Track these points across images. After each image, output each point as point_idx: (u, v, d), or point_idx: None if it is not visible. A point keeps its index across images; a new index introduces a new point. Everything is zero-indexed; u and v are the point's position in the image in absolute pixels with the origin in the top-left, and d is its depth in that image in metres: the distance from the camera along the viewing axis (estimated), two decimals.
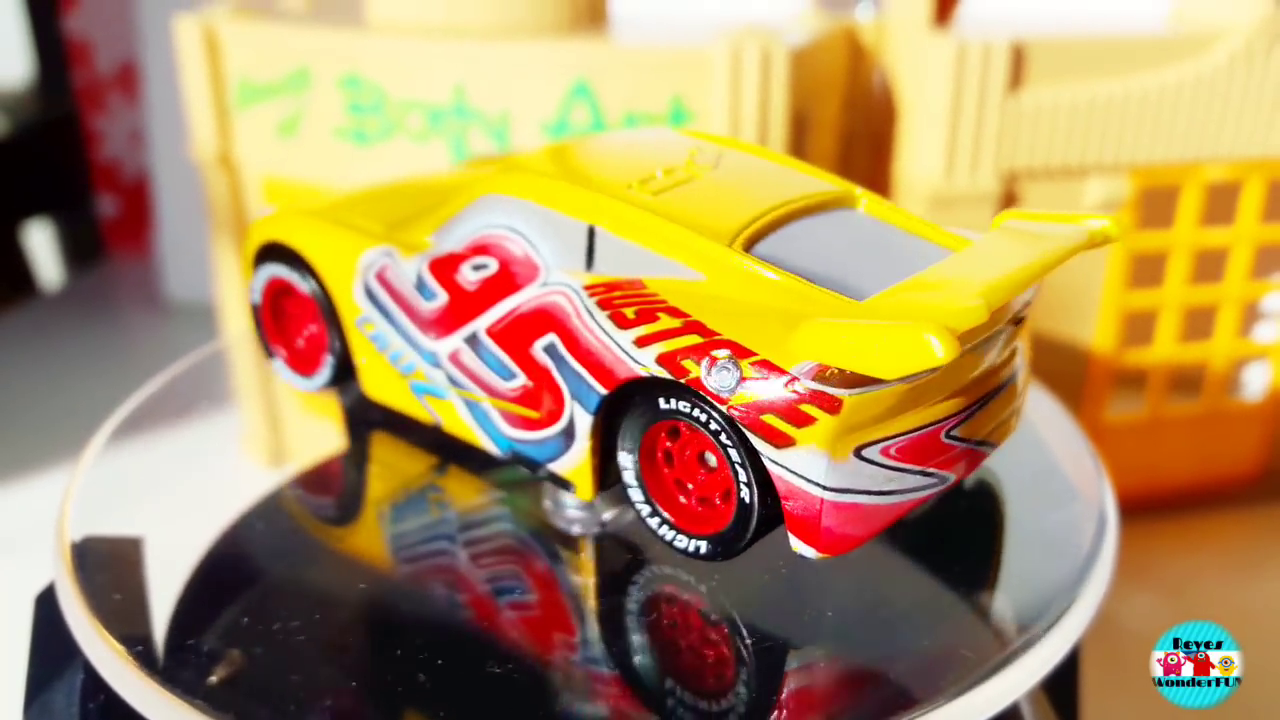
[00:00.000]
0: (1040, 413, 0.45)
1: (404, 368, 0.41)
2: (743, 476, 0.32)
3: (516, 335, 0.37)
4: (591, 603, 0.37)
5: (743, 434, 0.31)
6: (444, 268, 0.39)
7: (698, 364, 0.32)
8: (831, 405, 0.30)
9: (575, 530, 0.39)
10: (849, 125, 0.71)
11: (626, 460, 0.35)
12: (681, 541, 0.35)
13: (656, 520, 0.35)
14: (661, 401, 0.33)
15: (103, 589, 0.33)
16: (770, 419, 0.31)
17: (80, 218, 1.23)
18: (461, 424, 0.39)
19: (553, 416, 0.36)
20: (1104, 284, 0.65)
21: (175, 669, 0.31)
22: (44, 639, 0.34)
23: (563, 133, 0.60)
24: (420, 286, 0.40)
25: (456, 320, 0.39)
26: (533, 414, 0.37)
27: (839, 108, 0.69)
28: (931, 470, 0.33)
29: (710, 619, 0.35)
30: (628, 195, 0.37)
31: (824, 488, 0.31)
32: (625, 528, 0.39)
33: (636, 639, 0.34)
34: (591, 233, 0.36)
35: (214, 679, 0.31)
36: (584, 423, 0.35)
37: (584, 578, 0.38)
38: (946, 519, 0.39)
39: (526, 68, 0.60)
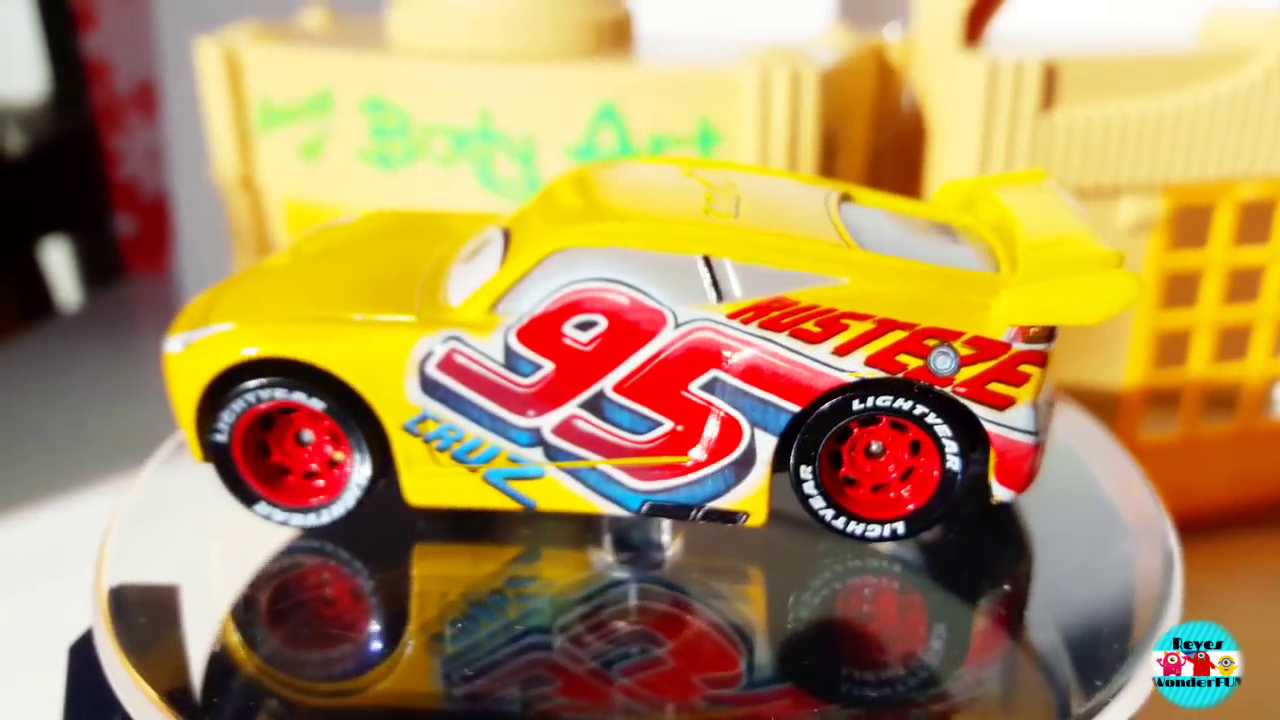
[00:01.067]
0: (1087, 440, 0.45)
1: (479, 458, 0.38)
2: (952, 448, 0.37)
3: (661, 383, 0.36)
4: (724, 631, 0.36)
5: (952, 410, 0.36)
6: (539, 336, 0.37)
7: (915, 356, 0.35)
8: (1040, 359, 0.36)
9: (629, 574, 0.38)
10: (877, 145, 0.70)
11: (806, 472, 0.37)
12: (874, 530, 0.38)
13: (843, 520, 0.38)
14: (855, 403, 0.36)
15: (140, 640, 0.32)
16: (995, 386, 0.36)
17: (98, 237, 1.23)
18: (567, 497, 0.38)
19: (718, 453, 0.36)
20: (1138, 304, 0.64)
21: None
22: (80, 694, 0.33)
23: (589, 156, 0.59)
24: (512, 362, 0.37)
25: (570, 388, 0.37)
26: (681, 459, 0.37)
27: (867, 128, 0.69)
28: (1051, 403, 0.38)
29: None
30: (723, 221, 0.37)
31: (1033, 434, 0.36)
32: (675, 558, 0.39)
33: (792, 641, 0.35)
34: (709, 263, 0.36)
35: None
36: (767, 447, 0.36)
37: (690, 611, 0.37)
38: (998, 560, 0.39)
39: (552, 91, 0.59)
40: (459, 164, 0.61)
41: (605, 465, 0.37)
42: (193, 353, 0.38)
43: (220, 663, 0.33)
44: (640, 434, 0.37)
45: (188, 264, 1.07)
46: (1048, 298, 0.34)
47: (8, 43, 1.20)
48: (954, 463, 0.37)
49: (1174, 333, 0.66)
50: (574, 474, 0.37)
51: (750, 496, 0.37)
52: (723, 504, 0.37)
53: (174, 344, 0.39)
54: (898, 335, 0.35)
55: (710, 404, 0.36)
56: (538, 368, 0.37)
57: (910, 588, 0.39)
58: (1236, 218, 0.64)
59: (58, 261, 1.26)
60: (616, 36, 0.64)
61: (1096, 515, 0.42)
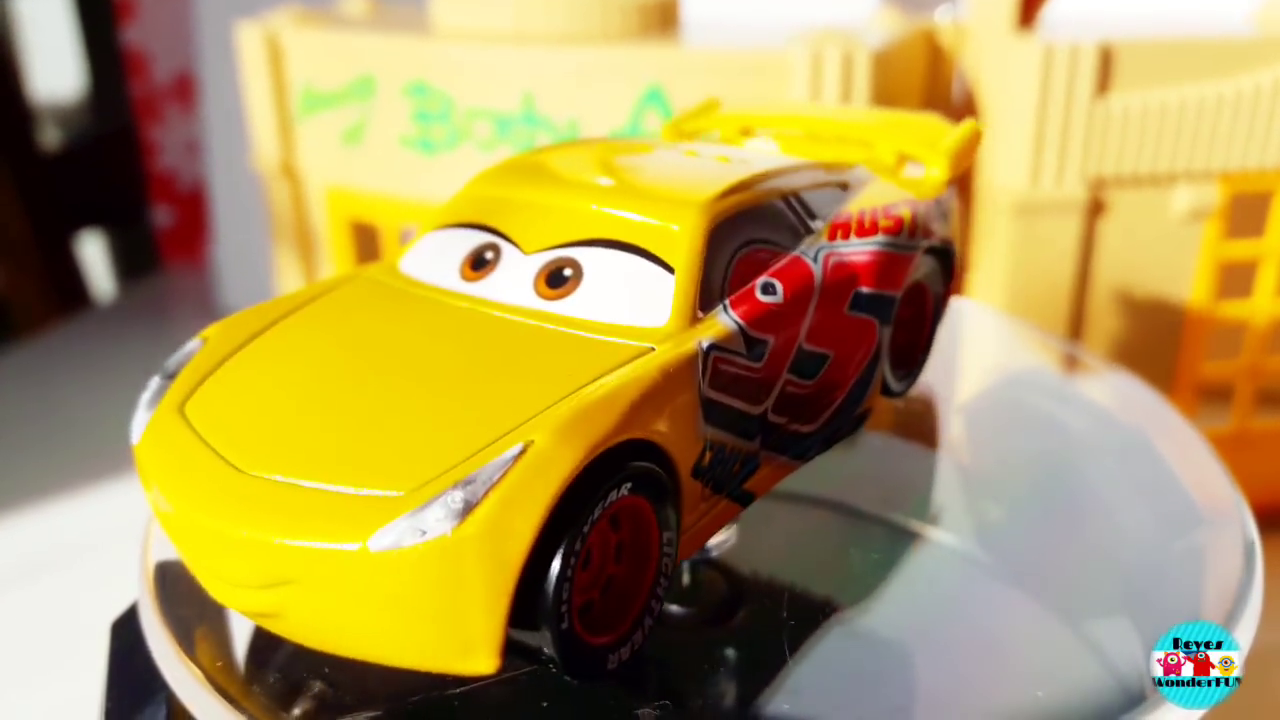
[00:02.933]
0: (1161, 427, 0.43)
1: (741, 474, 0.34)
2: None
3: (830, 318, 0.36)
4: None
5: None
6: (751, 313, 0.33)
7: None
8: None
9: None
10: None
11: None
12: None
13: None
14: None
15: (184, 616, 0.32)
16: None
17: (136, 228, 1.23)
18: (771, 478, 0.35)
19: (862, 362, 0.38)
20: (1191, 294, 0.63)
21: (260, 701, 0.29)
22: (123, 669, 0.33)
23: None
24: (750, 348, 0.33)
25: (783, 354, 0.34)
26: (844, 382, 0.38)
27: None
28: None
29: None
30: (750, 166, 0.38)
31: None
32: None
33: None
34: (789, 201, 0.37)
35: (298, 712, 0.30)
36: (885, 338, 0.39)
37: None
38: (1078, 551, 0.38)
39: (597, 74, 0.58)
40: (502, 148, 0.60)
41: (809, 428, 0.36)
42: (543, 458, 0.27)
43: (264, 638, 0.32)
44: (812, 377, 0.36)
45: (224, 254, 1.07)
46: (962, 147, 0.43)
47: (47, 40, 1.21)
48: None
49: (1228, 323, 0.65)
50: (781, 449, 0.35)
51: (875, 394, 0.39)
52: (861, 407, 0.39)
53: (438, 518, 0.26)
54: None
55: (857, 320, 0.37)
56: (764, 344, 0.34)
57: (985, 578, 0.38)
58: None
59: (94, 253, 1.27)
60: (662, 19, 0.64)
61: (1172, 503, 0.40)
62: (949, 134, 0.44)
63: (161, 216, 1.20)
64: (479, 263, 0.35)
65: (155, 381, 0.33)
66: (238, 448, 0.29)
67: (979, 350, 0.58)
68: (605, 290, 0.33)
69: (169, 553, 0.34)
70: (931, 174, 0.43)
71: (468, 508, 0.25)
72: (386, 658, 0.27)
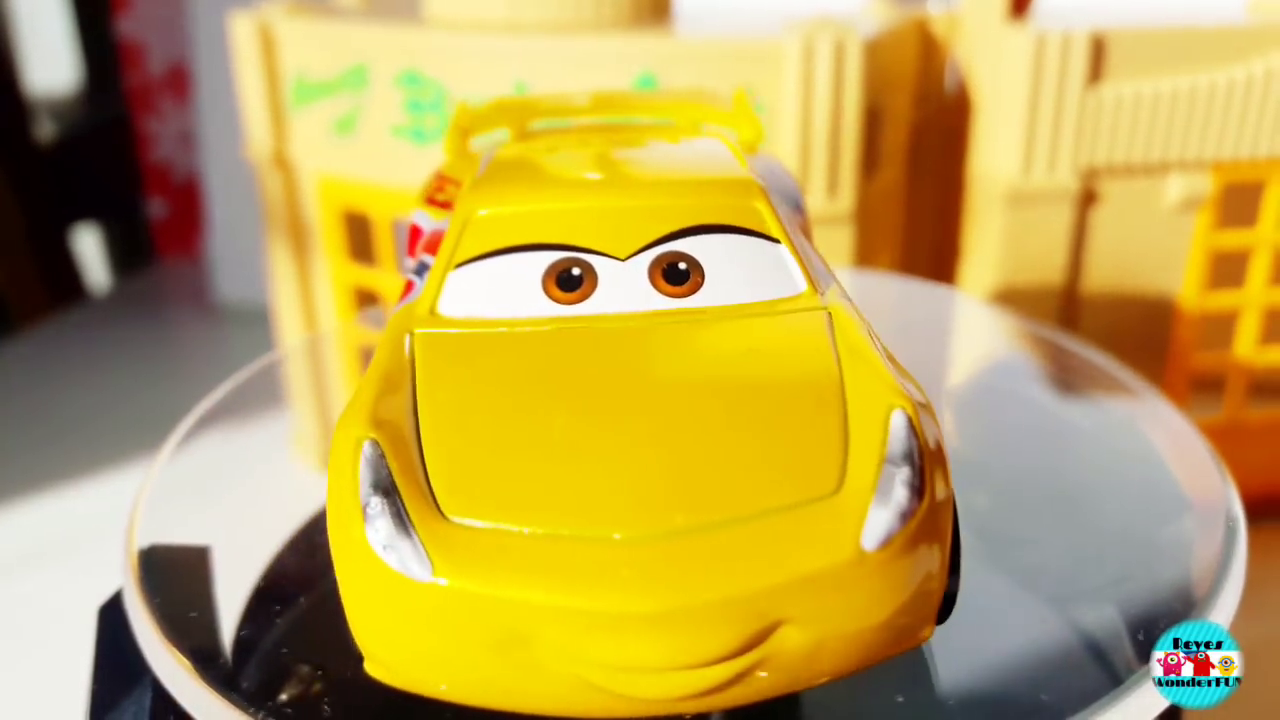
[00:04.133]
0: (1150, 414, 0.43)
1: None
2: None
3: None
4: None
5: None
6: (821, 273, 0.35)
7: None
8: None
9: None
10: (920, 119, 0.69)
11: None
12: None
13: None
14: None
15: (171, 601, 0.32)
16: None
17: (130, 221, 1.23)
18: None
19: None
20: (1183, 284, 0.63)
21: (247, 686, 0.30)
22: (109, 654, 0.33)
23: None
24: None
25: None
26: None
27: (910, 102, 0.68)
28: None
29: None
30: None
31: None
32: None
33: None
34: None
35: (284, 697, 0.30)
36: None
37: None
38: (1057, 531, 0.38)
39: (590, 63, 0.58)
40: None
41: None
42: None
43: (251, 626, 0.32)
44: None
45: (219, 246, 1.07)
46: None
47: (41, 32, 1.21)
48: None
49: (1220, 314, 0.65)
50: None
51: None
52: None
53: None
54: None
55: None
56: None
57: (972, 566, 0.38)
58: None
59: (89, 246, 1.27)
60: (655, 8, 0.64)
61: (1161, 491, 0.40)
62: (734, 100, 0.43)
63: (156, 209, 1.19)
64: (568, 282, 0.32)
65: (378, 503, 0.26)
66: (586, 522, 0.25)
67: (969, 340, 0.58)
68: (731, 273, 0.33)
69: (155, 536, 0.34)
70: (747, 136, 0.41)
71: (918, 478, 0.25)
72: (876, 658, 0.26)
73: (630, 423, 0.27)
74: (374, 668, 0.26)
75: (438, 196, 0.38)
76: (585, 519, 0.25)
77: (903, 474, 0.25)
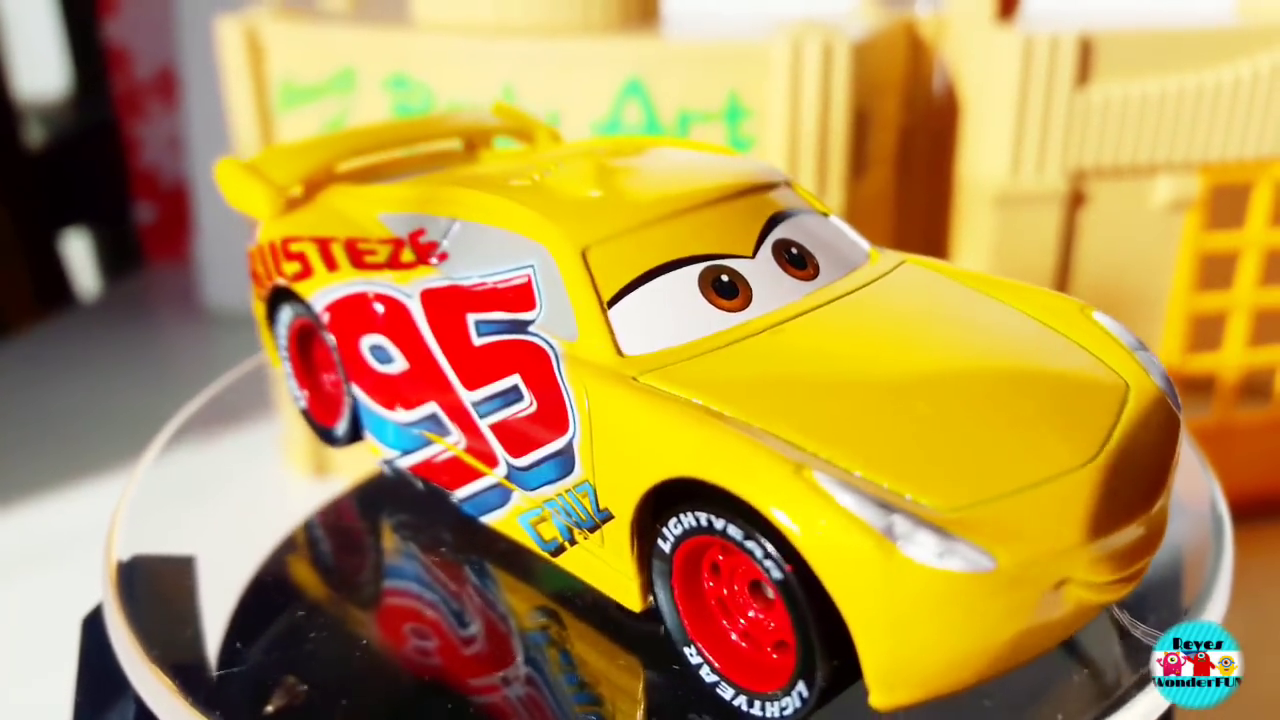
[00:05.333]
0: None
1: None
2: None
3: None
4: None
5: None
6: None
7: None
8: None
9: None
10: (908, 122, 0.69)
11: None
12: None
13: None
14: None
15: (153, 612, 0.32)
16: None
17: (119, 225, 1.23)
18: None
19: None
20: (1172, 286, 0.63)
21: (230, 700, 0.29)
22: (92, 665, 0.32)
23: (615, 132, 0.58)
24: None
25: None
26: None
27: (899, 104, 0.67)
28: None
29: None
30: None
31: None
32: None
33: None
34: None
35: (270, 709, 0.30)
36: None
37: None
38: None
39: (577, 66, 0.58)
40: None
41: None
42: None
43: (236, 636, 0.32)
44: None
45: (207, 251, 1.06)
46: None
47: (30, 35, 1.20)
48: None
49: (1209, 316, 0.65)
50: None
51: None
52: None
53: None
54: None
55: None
56: None
57: None
58: (1276, 197, 0.63)
59: (78, 250, 1.26)
60: (643, 10, 0.63)
61: None
62: (508, 110, 0.48)
63: (144, 213, 1.19)
64: (725, 289, 0.33)
65: (902, 521, 0.25)
66: (1025, 475, 0.27)
67: None
68: (824, 249, 0.36)
69: (136, 548, 0.34)
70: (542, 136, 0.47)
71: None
72: None
73: (941, 396, 0.29)
74: (892, 694, 0.26)
75: (367, 260, 0.38)
76: (1020, 473, 0.27)
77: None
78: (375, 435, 0.38)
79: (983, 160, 0.60)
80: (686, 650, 0.30)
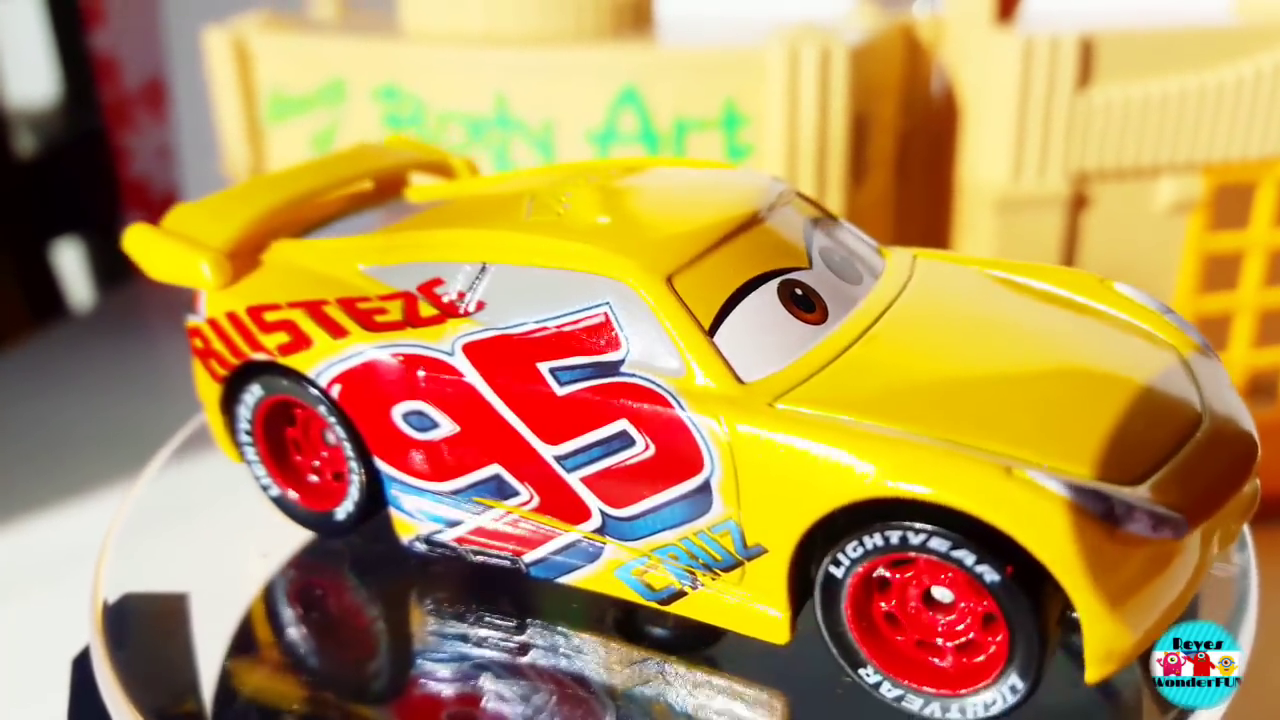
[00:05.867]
0: None
1: None
2: None
3: None
4: None
5: None
6: None
7: None
8: None
9: None
10: (907, 126, 0.68)
11: None
12: None
13: None
14: None
15: (143, 655, 0.31)
16: None
17: (110, 237, 1.22)
18: None
19: None
20: (1176, 288, 0.62)
21: None
22: (82, 708, 0.31)
23: (610, 141, 0.57)
24: None
25: None
26: None
27: (897, 108, 0.67)
28: None
29: None
30: None
31: None
32: None
33: None
34: None
35: None
36: None
37: None
38: None
39: (571, 75, 0.57)
40: (475, 152, 0.59)
41: None
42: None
43: (224, 682, 0.31)
44: None
45: None
46: None
47: (18, 44, 1.19)
48: None
49: (1214, 317, 0.64)
50: None
51: None
52: None
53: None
54: None
55: None
56: None
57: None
58: (1279, 197, 0.62)
59: (69, 262, 1.25)
60: (637, 17, 0.63)
61: None
62: (416, 146, 0.48)
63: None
64: (802, 303, 0.33)
65: (1122, 496, 0.27)
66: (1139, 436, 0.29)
67: None
68: (858, 250, 0.37)
69: (124, 585, 0.33)
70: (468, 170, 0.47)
71: None
72: None
73: (1043, 381, 0.31)
74: (1106, 666, 0.27)
75: (378, 320, 0.35)
76: (1161, 443, 0.29)
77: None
78: (406, 511, 0.35)
79: (983, 164, 0.59)
80: (861, 671, 0.30)
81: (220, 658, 0.32)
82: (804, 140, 0.56)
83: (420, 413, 0.33)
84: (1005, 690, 0.28)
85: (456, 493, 0.34)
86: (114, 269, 1.23)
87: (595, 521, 0.32)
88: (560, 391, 0.31)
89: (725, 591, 0.31)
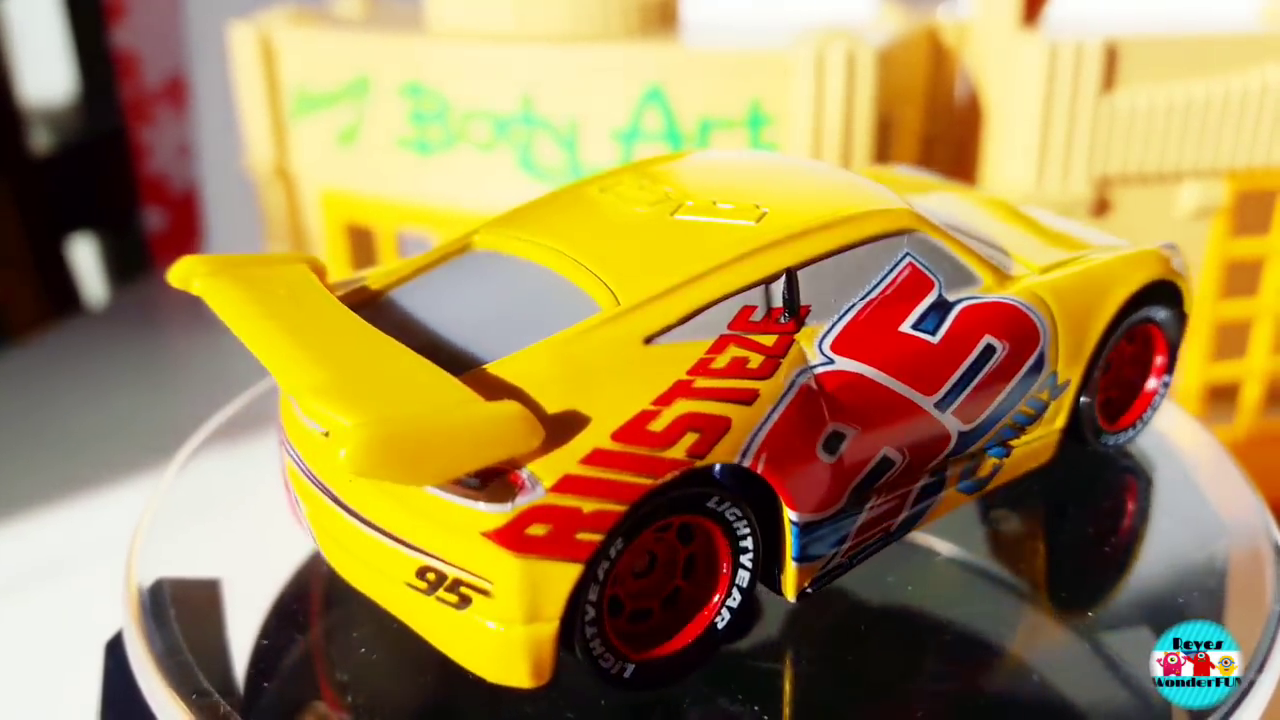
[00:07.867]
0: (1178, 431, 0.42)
1: None
2: None
3: None
4: None
5: None
6: None
7: None
8: None
9: None
10: (931, 129, 0.68)
11: None
12: None
13: None
14: None
15: (177, 639, 0.31)
16: None
17: (127, 233, 1.22)
18: None
19: None
20: (1197, 292, 0.62)
21: None
22: (115, 692, 0.32)
23: (634, 140, 0.57)
24: None
25: None
26: None
27: (921, 111, 0.67)
28: None
29: None
30: None
31: None
32: None
33: None
34: None
35: None
36: None
37: None
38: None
39: (597, 73, 0.57)
40: (500, 149, 0.59)
41: None
42: None
43: (258, 666, 0.31)
44: None
45: None
46: None
47: (37, 40, 1.20)
48: None
49: (1235, 323, 0.64)
50: None
51: None
52: None
53: None
54: None
55: None
56: None
57: (1000, 594, 0.37)
58: None
59: (86, 258, 1.26)
60: (662, 17, 0.63)
61: (1193, 512, 0.39)
62: None
63: (153, 220, 1.18)
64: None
65: None
66: None
67: None
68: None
69: (157, 571, 0.33)
70: None
71: None
72: None
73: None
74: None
75: (749, 368, 0.30)
76: None
77: None
78: (808, 557, 0.31)
79: (1007, 168, 0.59)
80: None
81: (253, 641, 0.32)
82: (829, 141, 0.56)
83: (834, 434, 0.30)
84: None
85: (850, 501, 0.31)
86: (130, 265, 1.24)
87: (950, 446, 0.34)
88: (934, 339, 0.33)
89: (1030, 440, 0.36)
